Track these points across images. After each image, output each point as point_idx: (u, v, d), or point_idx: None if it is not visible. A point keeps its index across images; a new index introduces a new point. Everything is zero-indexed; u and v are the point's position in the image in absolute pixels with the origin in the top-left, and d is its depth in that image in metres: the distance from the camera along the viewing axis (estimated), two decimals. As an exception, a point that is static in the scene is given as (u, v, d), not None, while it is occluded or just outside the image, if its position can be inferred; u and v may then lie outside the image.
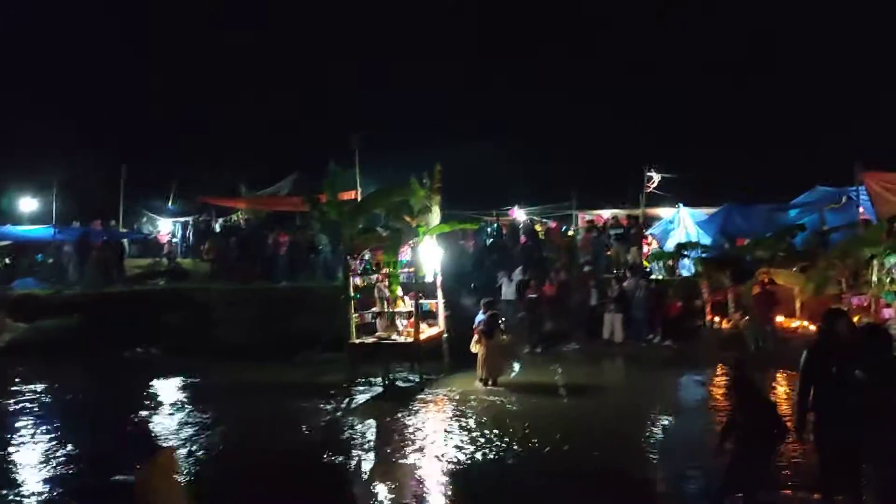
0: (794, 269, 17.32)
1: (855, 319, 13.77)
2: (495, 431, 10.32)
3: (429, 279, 15.29)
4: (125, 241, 25.37)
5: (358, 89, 39.47)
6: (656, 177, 25.09)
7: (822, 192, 20.92)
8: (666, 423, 11.07)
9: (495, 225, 28.91)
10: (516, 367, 15.62)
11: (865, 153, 16.57)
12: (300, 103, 37.35)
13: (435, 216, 15.21)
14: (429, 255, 15.16)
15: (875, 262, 15.27)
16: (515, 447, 9.61)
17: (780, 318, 16.70)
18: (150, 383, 14.68)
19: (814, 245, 18.44)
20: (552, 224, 28.41)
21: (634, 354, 16.95)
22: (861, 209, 17.56)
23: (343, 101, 38.34)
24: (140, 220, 29.74)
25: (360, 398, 13.09)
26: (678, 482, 8.27)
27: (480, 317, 13.76)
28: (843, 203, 20.76)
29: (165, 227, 29.13)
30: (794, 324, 16.83)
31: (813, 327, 16.21)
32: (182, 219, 28.72)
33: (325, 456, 9.44)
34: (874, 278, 15.26)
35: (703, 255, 19.15)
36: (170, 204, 29.38)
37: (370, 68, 40.27)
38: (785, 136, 33.60)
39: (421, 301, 14.66)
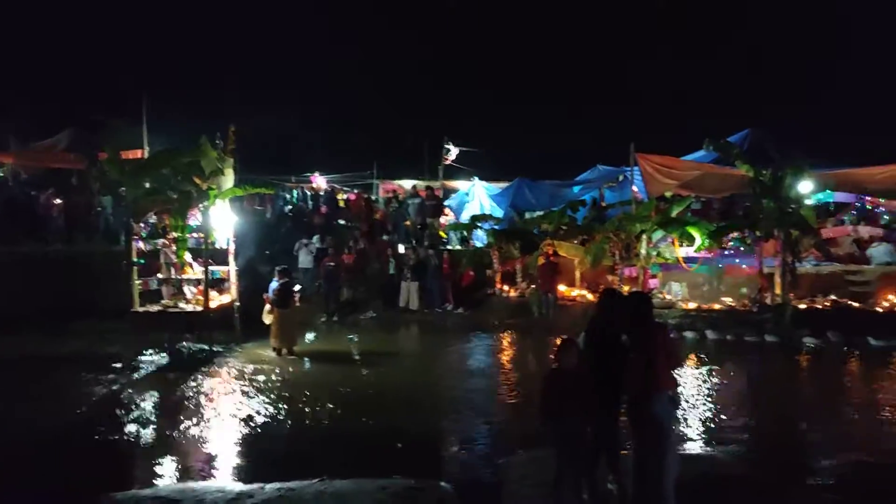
0: (576, 241, 18.55)
1: (625, 289, 15.14)
2: (287, 400, 10.14)
3: (221, 245, 14.65)
4: None
5: (151, 43, 36.67)
6: (454, 150, 25.78)
7: (602, 170, 22.58)
8: (456, 386, 11.45)
9: (295, 191, 28.34)
10: (312, 335, 15.47)
11: (640, 136, 17.96)
12: (84, 53, 33.86)
13: (228, 179, 14.56)
14: (221, 219, 14.50)
15: (644, 236, 16.77)
16: (307, 415, 9.51)
17: (561, 287, 17.84)
18: None
19: (593, 220, 19.83)
20: (352, 195, 28.30)
21: (429, 322, 17.41)
22: (635, 188, 19.07)
23: (132, 55, 35.49)
24: None
25: (144, 370, 12.30)
26: (468, 443, 8.56)
27: (274, 285, 13.40)
28: (619, 181, 22.55)
29: None
30: (574, 293, 18.07)
31: (590, 296, 17.57)
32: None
33: (102, 431, 8.78)
34: (643, 251, 16.76)
35: (495, 227, 19.97)
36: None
37: (167, 20, 37.52)
38: (570, 117, 35.80)
39: (211, 268, 14.01)
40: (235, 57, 38.30)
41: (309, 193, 27.93)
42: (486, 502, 6.65)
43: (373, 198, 27.52)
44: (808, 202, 16.62)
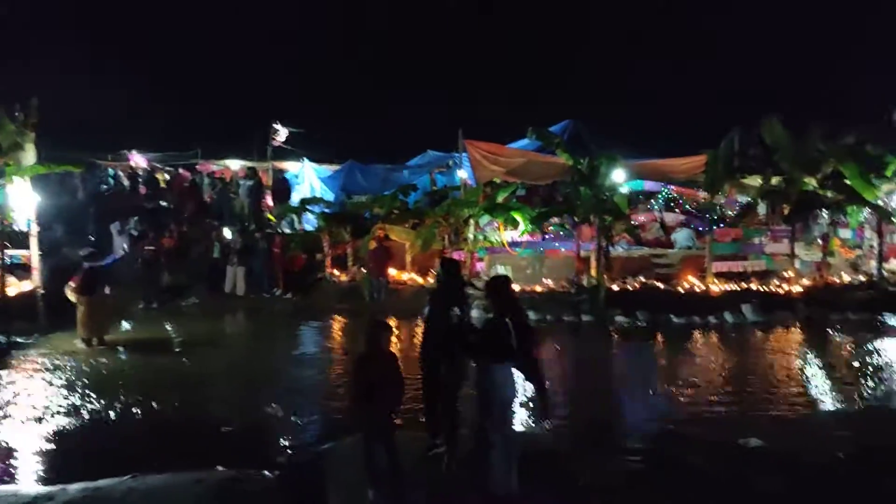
0: (407, 225, 18.71)
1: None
2: (98, 393, 9.47)
3: (21, 227, 13.41)
4: None
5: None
6: (283, 130, 25.09)
7: (433, 155, 22.92)
8: (283, 373, 11.22)
9: (110, 170, 26.48)
10: (128, 324, 14.54)
11: (469, 122, 18.37)
12: None
13: (29, 155, 13.31)
14: (21, 199, 13.26)
15: (472, 221, 17.22)
16: (120, 408, 8.92)
17: (392, 271, 17.94)
18: None
19: (423, 204, 20.09)
20: (185, 172, 26.83)
21: (256, 307, 16.90)
22: (464, 173, 19.50)
23: None
24: None
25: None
26: (294, 430, 8.40)
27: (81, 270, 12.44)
28: (449, 167, 22.98)
29: None
30: (405, 276, 18.22)
31: (421, 280, 17.81)
32: None
33: None
34: (471, 236, 17.22)
35: (326, 210, 19.72)
36: None
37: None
38: (401, 101, 36.01)
39: (10, 252, 12.79)
40: (46, 23, 35.01)
41: (126, 173, 26.19)
42: (310, 489, 6.55)
43: (196, 179, 26.27)
44: (622, 190, 17.74)
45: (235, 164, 26.64)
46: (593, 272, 16.31)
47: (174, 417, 8.72)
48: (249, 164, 25.22)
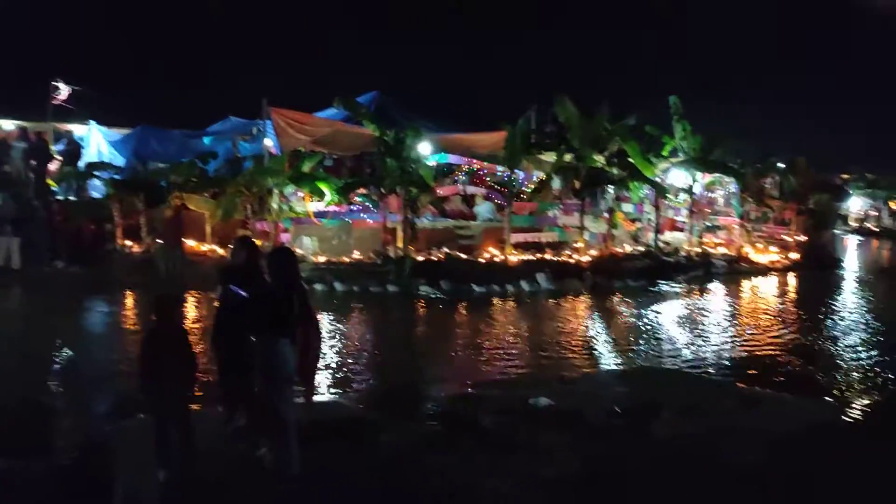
0: (206, 195, 17.85)
1: (259, 243, 15.03)
2: None
3: None
4: None
5: None
6: (65, 89, 22.86)
7: (235, 122, 21.97)
8: (65, 354, 10.34)
9: None
10: None
11: (273, 90, 17.83)
12: None
13: None
14: None
15: (276, 191, 16.78)
16: None
17: (191, 243, 17.10)
18: None
19: (224, 172, 19.25)
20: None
21: (35, 282, 15.46)
22: (268, 141, 18.91)
23: None
24: None
25: None
26: (78, 414, 7.78)
27: None
28: (254, 134, 22.16)
29: None
30: (205, 248, 17.42)
31: (221, 251, 17.11)
32: None
33: None
34: (275, 206, 16.78)
35: (116, 176, 18.34)
36: None
37: None
38: (201, 66, 34.20)
39: None
40: None
41: None
42: (96, 472, 6.10)
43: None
44: (427, 163, 18.06)
45: (9, 125, 23.91)
46: (399, 243, 16.52)
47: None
48: (27, 124, 22.75)
